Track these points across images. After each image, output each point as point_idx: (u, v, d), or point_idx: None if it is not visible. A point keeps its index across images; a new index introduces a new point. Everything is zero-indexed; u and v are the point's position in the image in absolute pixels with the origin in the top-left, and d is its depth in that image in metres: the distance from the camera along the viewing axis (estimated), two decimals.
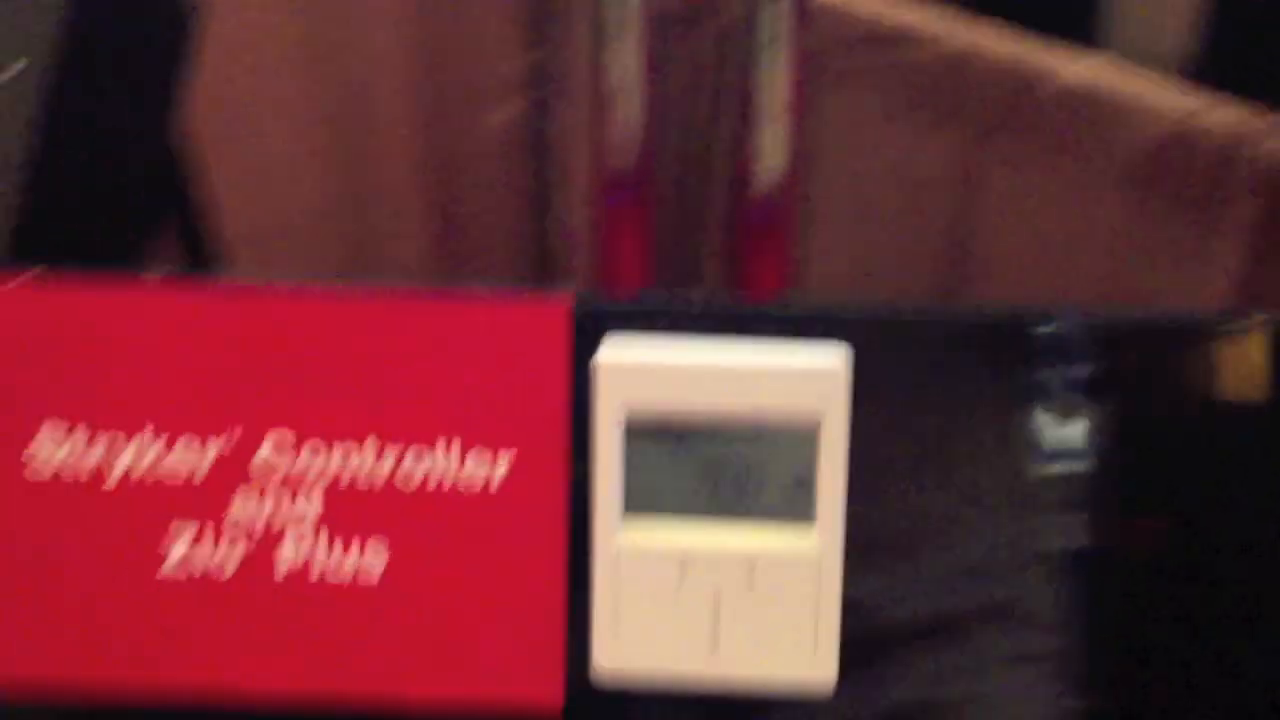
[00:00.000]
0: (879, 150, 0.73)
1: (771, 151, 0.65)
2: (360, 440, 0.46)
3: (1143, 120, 0.67)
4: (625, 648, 0.45)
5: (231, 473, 0.46)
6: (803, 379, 0.43)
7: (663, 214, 0.73)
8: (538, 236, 0.79)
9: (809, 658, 0.45)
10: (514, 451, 0.46)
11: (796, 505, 0.44)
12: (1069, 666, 0.51)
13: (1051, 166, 0.70)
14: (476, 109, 0.78)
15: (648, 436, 0.44)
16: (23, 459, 0.45)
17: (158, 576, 0.46)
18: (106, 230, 0.67)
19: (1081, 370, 0.47)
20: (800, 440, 0.44)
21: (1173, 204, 0.68)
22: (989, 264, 0.73)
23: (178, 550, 0.46)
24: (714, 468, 0.44)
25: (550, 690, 0.48)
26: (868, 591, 0.47)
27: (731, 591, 0.45)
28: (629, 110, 0.66)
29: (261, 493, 0.46)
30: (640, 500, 0.44)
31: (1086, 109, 0.68)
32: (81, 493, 0.45)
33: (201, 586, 0.46)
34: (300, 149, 0.78)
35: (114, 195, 0.67)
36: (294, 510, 0.46)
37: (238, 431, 0.46)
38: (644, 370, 0.43)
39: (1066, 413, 0.47)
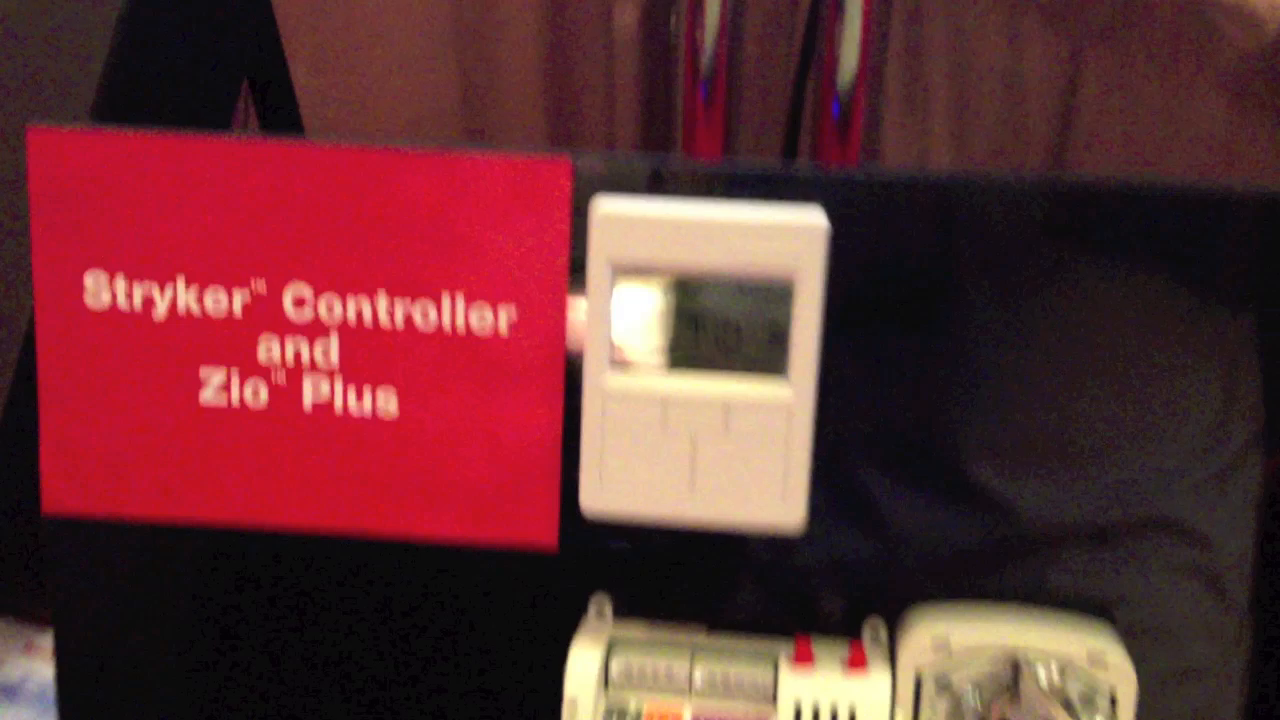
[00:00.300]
0: (983, 50, 0.74)
1: (849, 49, 0.67)
2: (372, 292, 0.50)
3: (1246, 26, 0.68)
4: (610, 488, 0.49)
5: (257, 318, 0.50)
6: (781, 235, 0.46)
7: (744, 111, 0.75)
8: (661, 143, 0.81)
9: (779, 500, 0.48)
10: (516, 302, 0.49)
11: (772, 357, 0.47)
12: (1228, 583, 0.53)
13: (1154, 72, 0.71)
14: (604, 6, 0.79)
15: (636, 287, 0.47)
16: (79, 295, 0.50)
17: (197, 405, 0.51)
18: (192, 101, 0.70)
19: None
20: (778, 295, 0.47)
21: (1274, 111, 0.69)
22: (1087, 167, 0.74)
23: (214, 383, 0.51)
24: (697, 319, 0.47)
25: (546, 527, 0.52)
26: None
27: (708, 435, 0.48)
28: (712, 7, 0.68)
29: (284, 337, 0.51)
30: (628, 351, 0.48)
31: (1191, 14, 0.69)
32: (129, 327, 0.50)
33: (235, 417, 0.51)
34: (424, 44, 0.79)
35: (200, 68, 0.70)
36: (314, 354, 0.51)
37: (261, 282, 0.50)
38: (634, 222, 0.47)
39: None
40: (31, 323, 0.51)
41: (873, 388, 0.52)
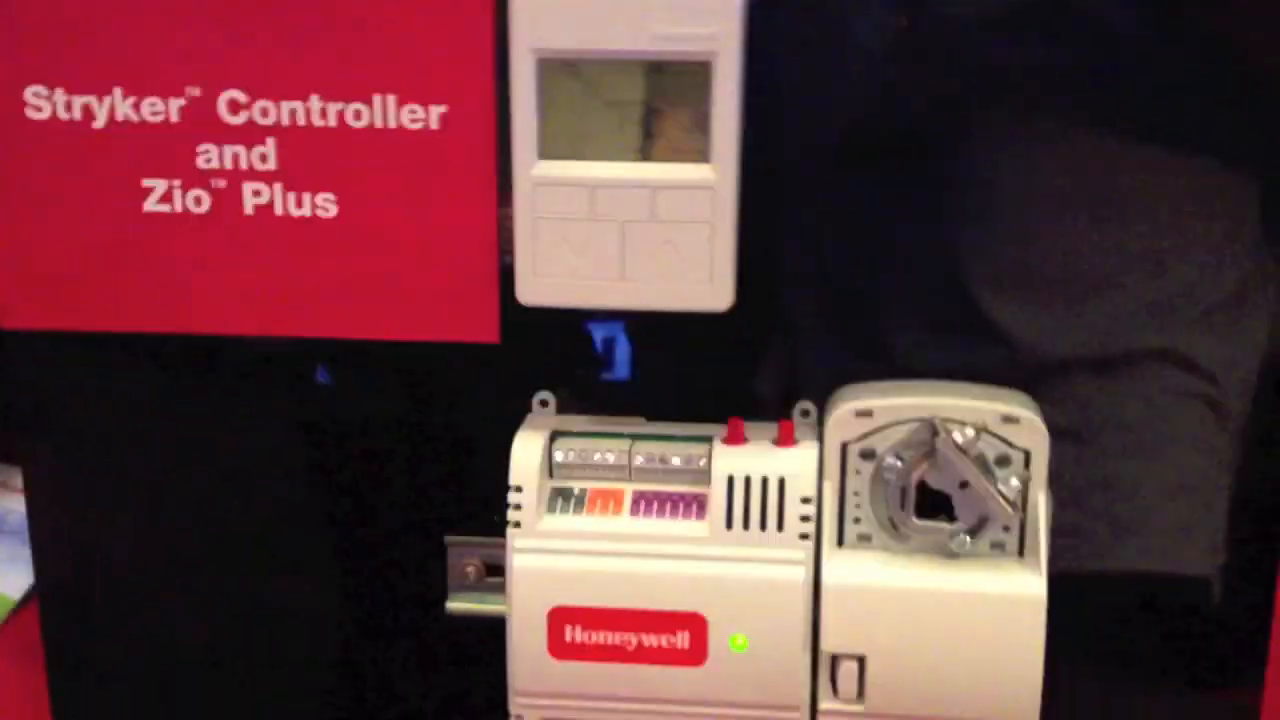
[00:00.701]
0: None
1: None
2: (304, 96, 0.51)
3: None
4: (544, 278, 0.51)
5: (194, 125, 0.52)
6: (697, 13, 0.47)
7: None
8: None
9: (707, 282, 0.51)
10: (447, 99, 0.51)
11: (694, 141, 0.49)
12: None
13: None
14: None
15: (560, 77, 0.49)
16: (19, 109, 0.51)
17: (141, 214, 0.52)
18: None
19: None
20: (697, 76, 0.49)
21: None
22: None
23: (157, 191, 0.52)
24: (619, 105, 0.49)
25: (486, 322, 0.54)
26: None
27: (636, 221, 0.50)
28: None
29: (222, 145, 0.52)
30: (556, 140, 0.50)
31: None
32: (71, 139, 0.52)
33: (179, 224, 0.52)
34: None
35: None
36: (252, 159, 0.52)
37: (195, 90, 0.51)
38: (555, 9, 0.48)
39: None
40: None
41: (874, 213, 0.54)
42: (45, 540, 0.58)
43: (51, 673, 0.60)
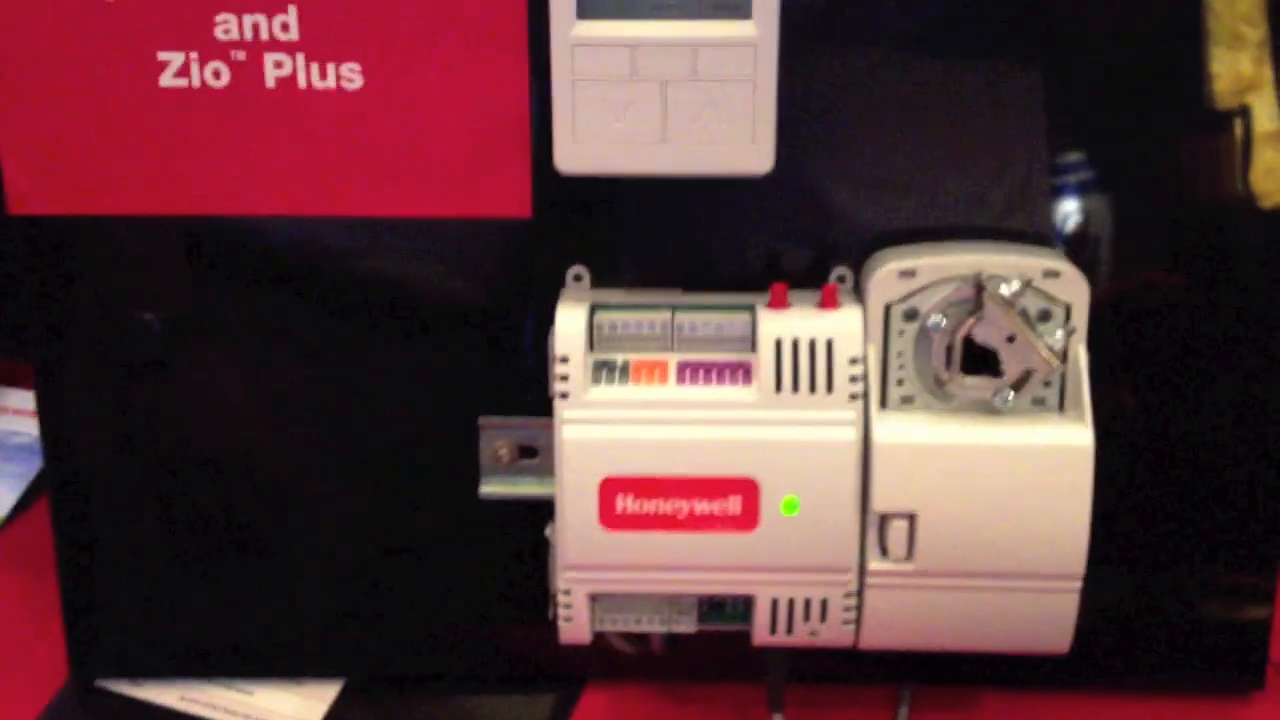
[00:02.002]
0: None
1: None
2: None
3: None
4: (583, 144, 0.50)
5: None
6: None
7: None
8: None
9: (750, 144, 0.50)
10: None
11: None
12: None
13: None
14: None
15: None
16: None
17: (157, 90, 0.50)
18: None
19: None
20: None
21: None
22: None
23: (173, 65, 0.50)
24: None
25: (518, 193, 0.53)
26: None
27: (677, 81, 0.49)
28: None
29: (240, 14, 0.50)
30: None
31: None
32: (82, 10, 0.49)
33: (197, 99, 0.50)
34: None
35: None
36: (273, 30, 0.50)
37: None
38: None
39: None
40: None
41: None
42: (56, 436, 0.56)
43: (62, 571, 0.59)
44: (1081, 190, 0.56)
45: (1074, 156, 0.55)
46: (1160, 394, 0.57)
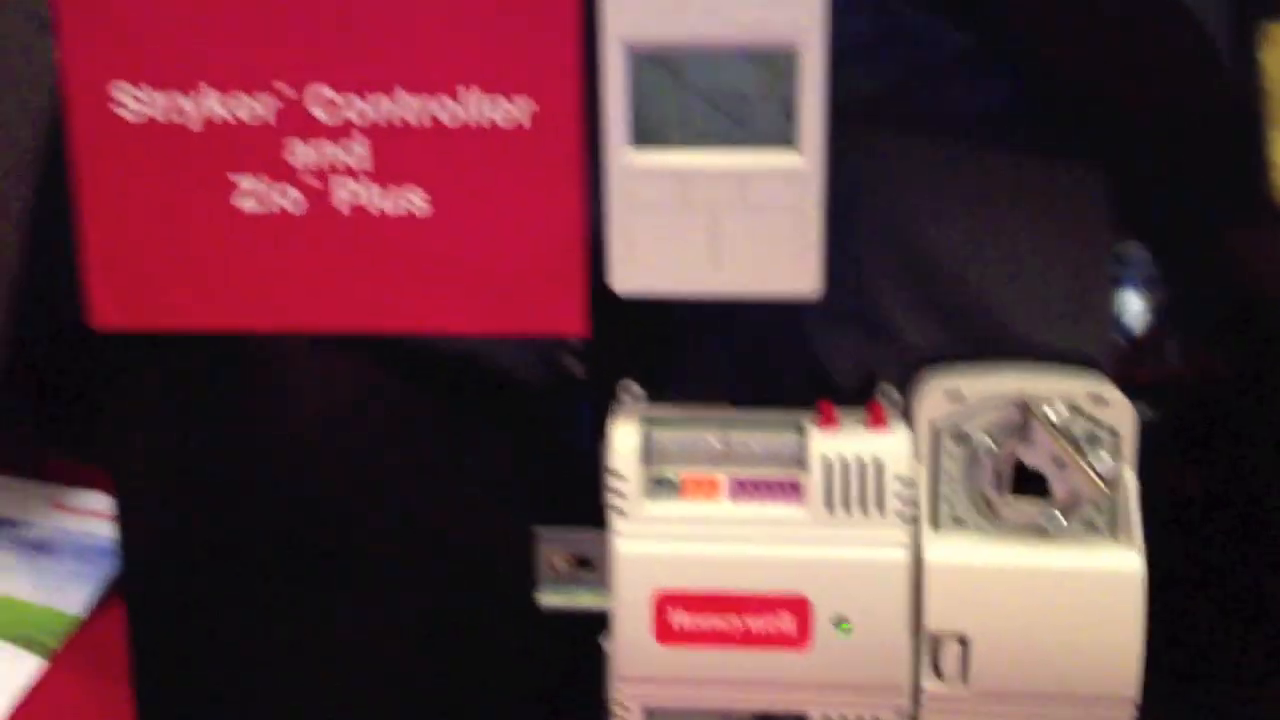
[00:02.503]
0: None
1: None
2: (389, 90, 0.52)
3: None
4: (638, 266, 0.52)
5: (283, 121, 0.52)
6: (780, 5, 0.48)
7: None
8: None
9: (796, 267, 0.51)
10: (532, 90, 0.51)
11: (782, 128, 0.50)
12: None
13: None
14: None
15: (650, 67, 0.49)
16: (109, 106, 0.52)
17: (232, 211, 0.53)
18: None
19: None
20: (784, 65, 0.49)
21: None
22: None
23: (247, 188, 0.52)
24: (709, 94, 0.50)
25: (574, 312, 0.54)
26: None
27: (727, 208, 0.51)
28: None
29: (311, 139, 0.52)
30: (646, 129, 0.50)
31: None
32: (161, 137, 0.52)
33: (270, 222, 0.53)
34: None
35: None
36: (342, 154, 0.53)
37: (284, 86, 0.52)
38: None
39: None
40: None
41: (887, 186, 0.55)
42: (133, 543, 0.58)
43: (138, 678, 0.60)
44: (1139, 288, 0.56)
45: (1133, 253, 0.56)
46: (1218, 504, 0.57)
